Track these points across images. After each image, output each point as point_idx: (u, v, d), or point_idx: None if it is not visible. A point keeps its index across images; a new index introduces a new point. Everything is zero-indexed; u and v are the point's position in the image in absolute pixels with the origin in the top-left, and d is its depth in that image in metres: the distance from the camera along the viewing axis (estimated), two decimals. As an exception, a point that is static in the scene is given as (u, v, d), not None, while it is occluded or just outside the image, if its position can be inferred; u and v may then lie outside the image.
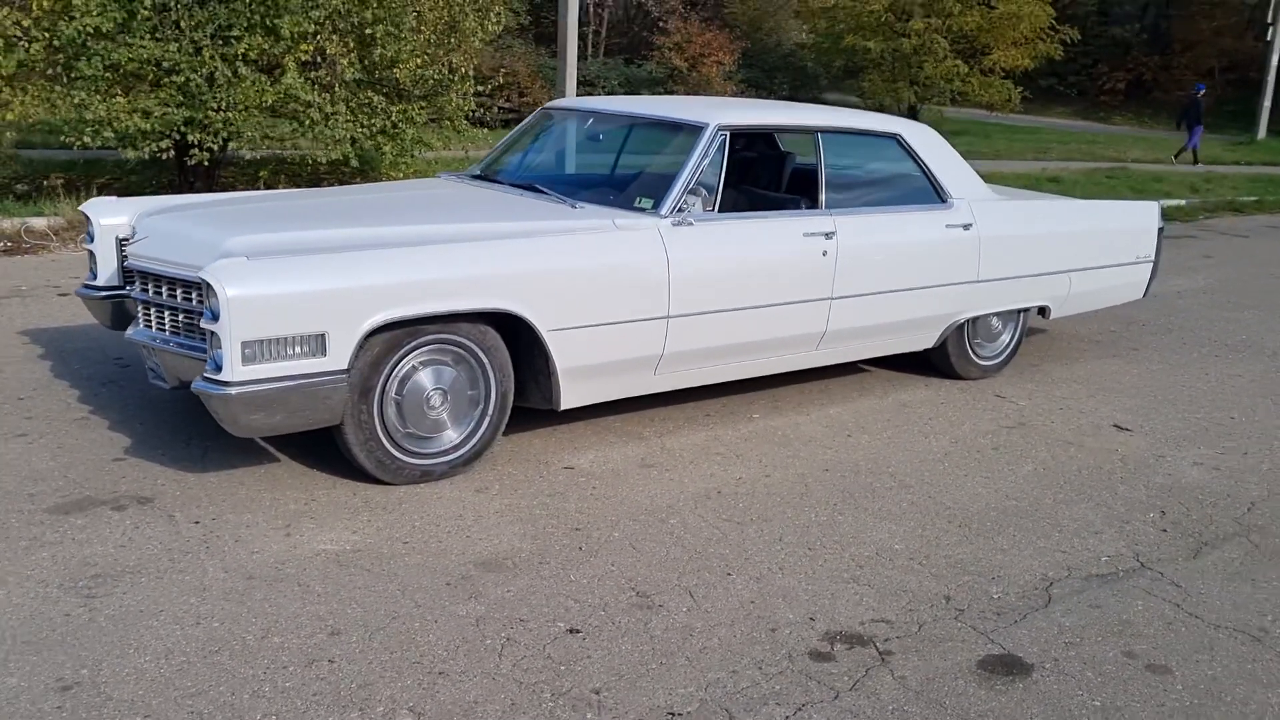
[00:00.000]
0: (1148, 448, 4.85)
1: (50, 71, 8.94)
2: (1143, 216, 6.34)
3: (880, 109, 24.91)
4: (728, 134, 4.68)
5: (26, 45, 8.75)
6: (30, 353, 5.37)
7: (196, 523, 3.60)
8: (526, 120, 5.53)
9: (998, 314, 5.76)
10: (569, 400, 4.32)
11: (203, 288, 3.52)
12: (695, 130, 4.66)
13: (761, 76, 24.72)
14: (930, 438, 4.84)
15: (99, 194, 9.41)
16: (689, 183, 4.51)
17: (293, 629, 2.96)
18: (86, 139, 8.79)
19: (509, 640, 2.98)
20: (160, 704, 2.60)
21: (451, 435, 4.09)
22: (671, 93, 22.95)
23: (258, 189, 9.87)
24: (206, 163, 9.33)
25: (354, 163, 10.23)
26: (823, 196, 4.96)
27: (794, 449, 4.60)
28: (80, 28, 8.65)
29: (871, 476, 4.33)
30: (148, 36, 8.80)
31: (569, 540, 3.62)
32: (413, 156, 10.60)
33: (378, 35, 9.84)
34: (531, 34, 28.95)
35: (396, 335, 3.84)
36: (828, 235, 4.83)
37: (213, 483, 3.92)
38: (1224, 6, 35.26)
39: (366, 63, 10.06)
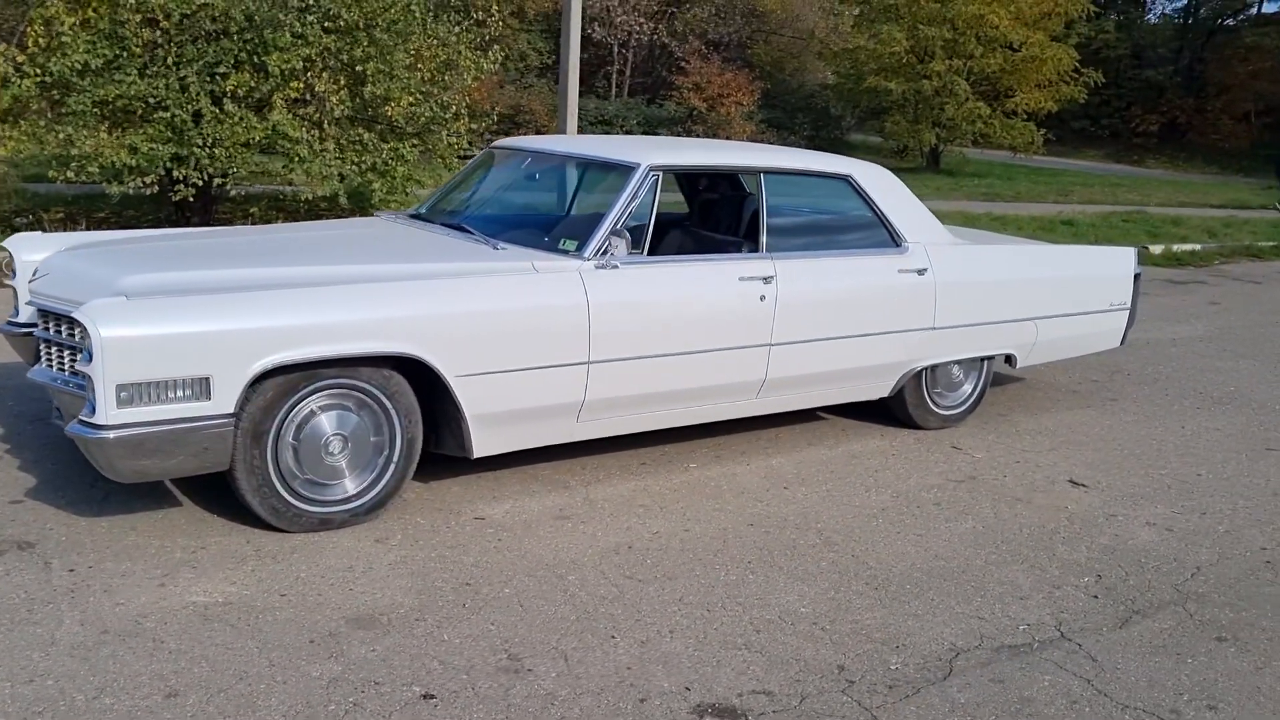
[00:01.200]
0: (1100, 506, 4.62)
1: (38, 107, 8.99)
2: (1117, 263, 6.12)
3: (903, 150, 24.80)
4: (659, 174, 4.54)
5: (19, 81, 8.81)
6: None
7: (71, 570, 3.47)
8: (473, 160, 5.43)
9: (958, 362, 5.56)
10: (483, 448, 4.17)
11: (78, 328, 3.41)
12: (627, 170, 4.53)
13: (782, 117, 24.66)
14: (872, 491, 4.64)
15: (89, 228, 9.45)
16: (615, 224, 4.37)
17: (128, 690, 2.82)
18: (70, 174, 8.82)
19: (355, 705, 2.81)
20: (-42, 770, 2.45)
21: (352, 483, 3.95)
22: (689, 133, 22.97)
23: (245, 224, 9.88)
24: (191, 198, 9.33)
25: (343, 200, 10.21)
26: (764, 239, 4.80)
27: (723, 501, 4.42)
28: (70, 64, 8.71)
29: (796, 533, 4.14)
30: (135, 73, 8.84)
31: (455, 596, 3.45)
32: (405, 193, 10.57)
33: (369, 72, 9.83)
34: (555, 73, 29.13)
35: (291, 379, 3.71)
36: (766, 279, 4.67)
37: (103, 528, 3.79)
38: (1259, 50, 34.87)
39: (358, 100, 10.05)
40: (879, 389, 5.32)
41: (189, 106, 9.02)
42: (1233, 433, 5.85)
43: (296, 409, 3.77)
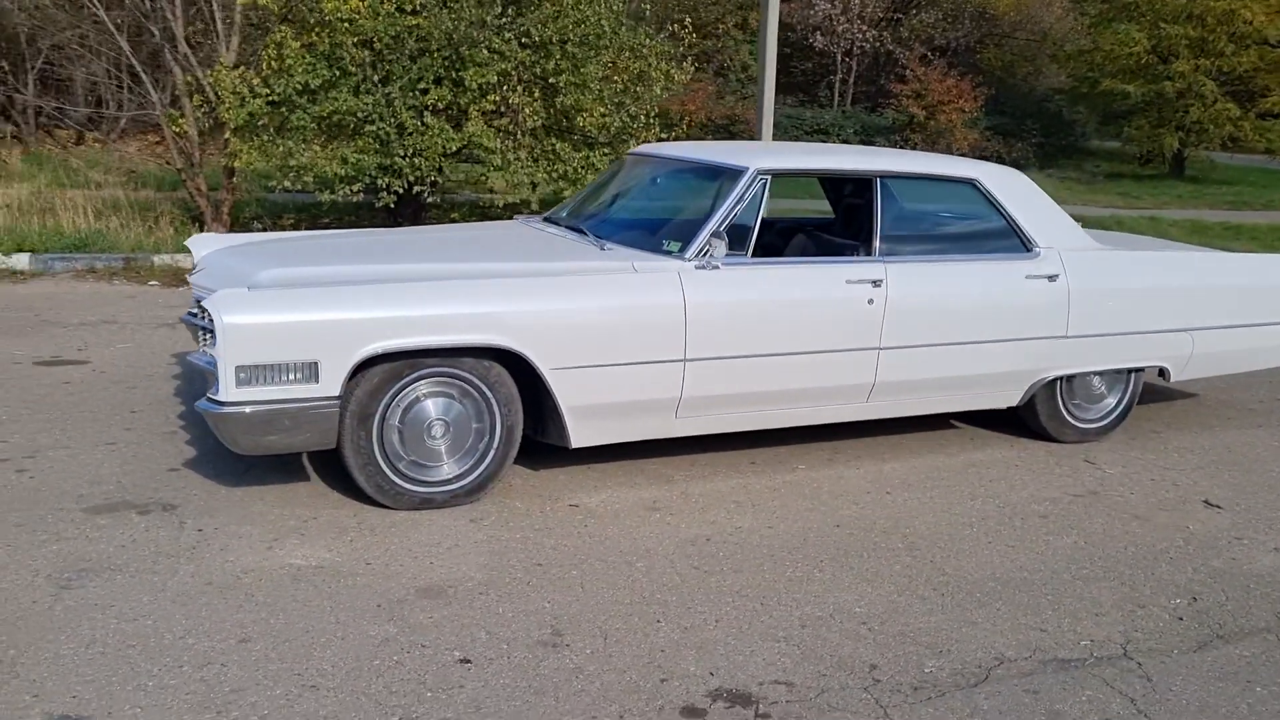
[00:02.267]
0: (1228, 528, 4.35)
1: (265, 124, 9.93)
2: (1292, 272, 5.69)
3: (1148, 157, 23.40)
4: (767, 179, 4.62)
5: (251, 100, 9.77)
6: (167, 373, 5.98)
7: (200, 530, 3.91)
8: (612, 166, 5.65)
9: (1098, 374, 5.32)
10: (581, 439, 4.37)
11: (207, 314, 3.85)
12: (735, 174, 4.64)
13: (1010, 124, 23.75)
14: (978, 500, 4.55)
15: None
16: (719, 226, 4.49)
17: (210, 633, 3.18)
18: (287, 183, 9.69)
19: (397, 663, 3.07)
20: (53, 686, 2.86)
21: (454, 466, 4.23)
22: (907, 141, 22.51)
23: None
24: (393, 204, 10.04)
25: (535, 206, 10.71)
26: (876, 243, 4.79)
27: (818, 502, 4.45)
28: (293, 85, 9.59)
29: (882, 536, 4.12)
30: (348, 91, 9.62)
31: (523, 574, 3.67)
32: (596, 200, 10.96)
33: (561, 85, 10.29)
34: (779, 83, 29.17)
35: (396, 366, 4.04)
36: (875, 283, 4.66)
37: (237, 496, 4.24)
38: None
39: (551, 111, 10.53)
40: (1007, 398, 5.18)
41: (393, 120, 9.72)
42: None
43: (401, 394, 4.09)
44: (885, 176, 4.89)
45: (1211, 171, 23.18)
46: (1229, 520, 4.42)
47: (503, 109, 10.31)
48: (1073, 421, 5.34)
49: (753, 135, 21.78)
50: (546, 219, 5.35)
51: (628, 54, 11.02)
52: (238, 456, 4.58)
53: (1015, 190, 5.12)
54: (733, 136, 21.39)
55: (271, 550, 3.78)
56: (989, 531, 4.21)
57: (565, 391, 4.22)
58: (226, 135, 10.27)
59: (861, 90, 28.07)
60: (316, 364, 3.87)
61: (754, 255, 4.60)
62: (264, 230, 10.71)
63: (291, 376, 3.86)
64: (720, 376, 4.46)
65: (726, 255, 4.48)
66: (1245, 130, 21.85)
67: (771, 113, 13.07)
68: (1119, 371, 5.39)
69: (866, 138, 22.88)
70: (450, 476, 4.23)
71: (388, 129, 9.72)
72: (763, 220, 4.67)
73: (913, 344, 4.77)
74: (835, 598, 3.59)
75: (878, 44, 25.99)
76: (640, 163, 5.35)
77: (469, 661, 3.09)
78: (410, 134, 9.82)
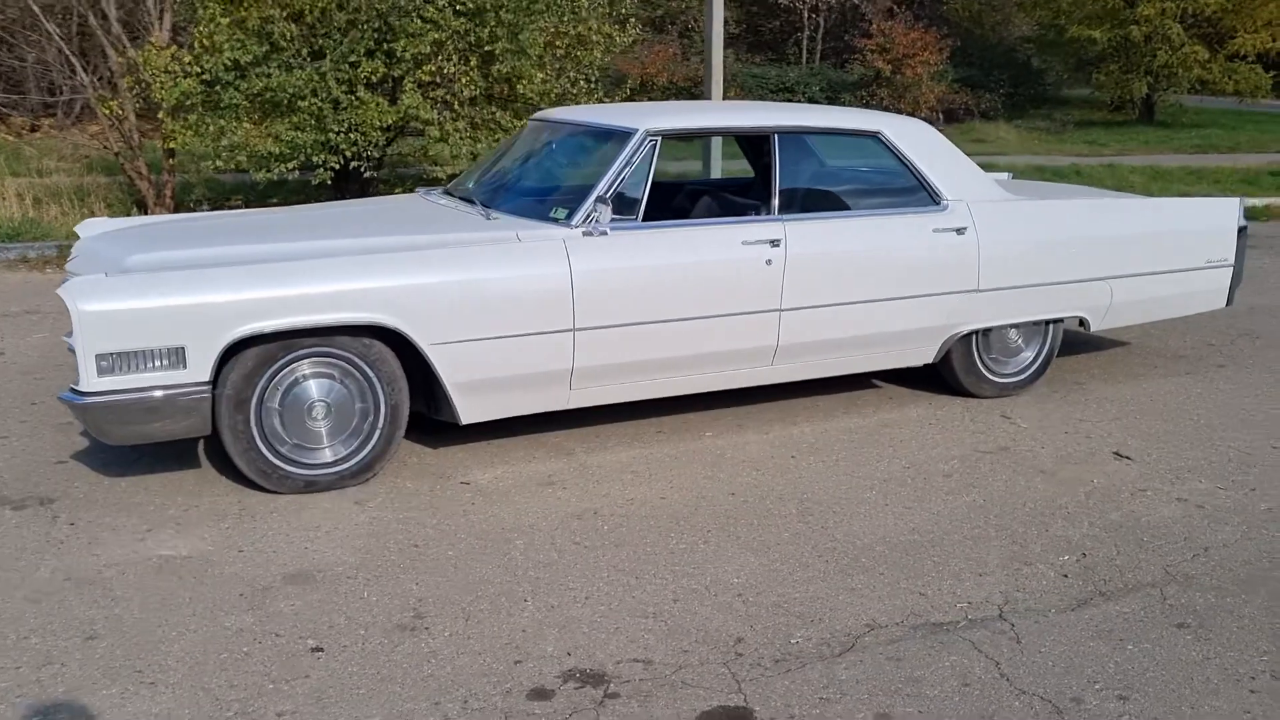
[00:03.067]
0: (1135, 480, 4.26)
1: (196, 103, 9.74)
2: (1215, 215, 5.59)
3: (1120, 104, 23.21)
4: (657, 140, 4.49)
5: (182, 80, 9.58)
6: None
7: (72, 524, 3.81)
8: (515, 133, 5.51)
9: (1014, 326, 5.22)
10: (470, 415, 4.28)
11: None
12: (624, 136, 4.51)
13: (978, 75, 23.52)
14: (884, 461, 4.46)
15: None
16: (606, 190, 4.37)
17: (56, 631, 3.09)
18: (220, 163, 9.52)
19: (246, 655, 2.98)
20: (-122, 695, 2.77)
21: (338, 448, 4.13)
22: (874, 98, 22.29)
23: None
24: (329, 181, 9.87)
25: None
26: (775, 201, 4.67)
27: (719, 470, 4.36)
28: (224, 61, 9.40)
29: (777, 503, 4.04)
30: (279, 68, 9.43)
31: (397, 557, 3.58)
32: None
33: (497, 52, 10.10)
34: (746, 42, 28.92)
35: (270, 349, 3.93)
36: (773, 243, 4.55)
37: (121, 488, 4.13)
38: None
39: (490, 79, 10.34)
40: (921, 355, 5.08)
41: (326, 95, 9.54)
42: (1346, 402, 5.25)
43: (279, 376, 3.98)
44: (783, 132, 4.76)
45: (1181, 116, 22.98)
46: (1136, 472, 4.34)
47: (439, 79, 10.13)
48: (990, 376, 5.25)
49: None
50: (446, 191, 5.22)
51: (567, 18, 10.82)
52: (130, 447, 4.47)
53: (921, 142, 4.99)
54: (695, 98, 21.15)
55: (143, 541, 3.68)
56: (888, 494, 4.12)
57: (449, 367, 4.12)
58: (160, 116, 10.09)
59: (830, 47, 27.77)
60: (183, 349, 3.76)
61: (651, 219, 4.48)
62: (210, 211, 10.55)
63: (157, 363, 3.74)
64: (613, 345, 4.35)
65: (616, 220, 4.36)
66: (1214, 73, 21.65)
67: (721, 71, 12.88)
68: (1036, 323, 5.29)
69: (833, 95, 22.67)
70: (335, 459, 4.13)
71: (320, 104, 9.53)
72: (672, 183, 4.55)
73: (815, 304, 4.67)
74: (715, 569, 3.50)
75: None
76: (539, 129, 5.22)
77: (321, 650, 3.00)
78: (345, 109, 9.64)
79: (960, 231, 4.91)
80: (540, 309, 4.19)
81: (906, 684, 2.83)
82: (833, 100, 22.80)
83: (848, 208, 4.89)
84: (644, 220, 4.46)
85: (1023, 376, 5.33)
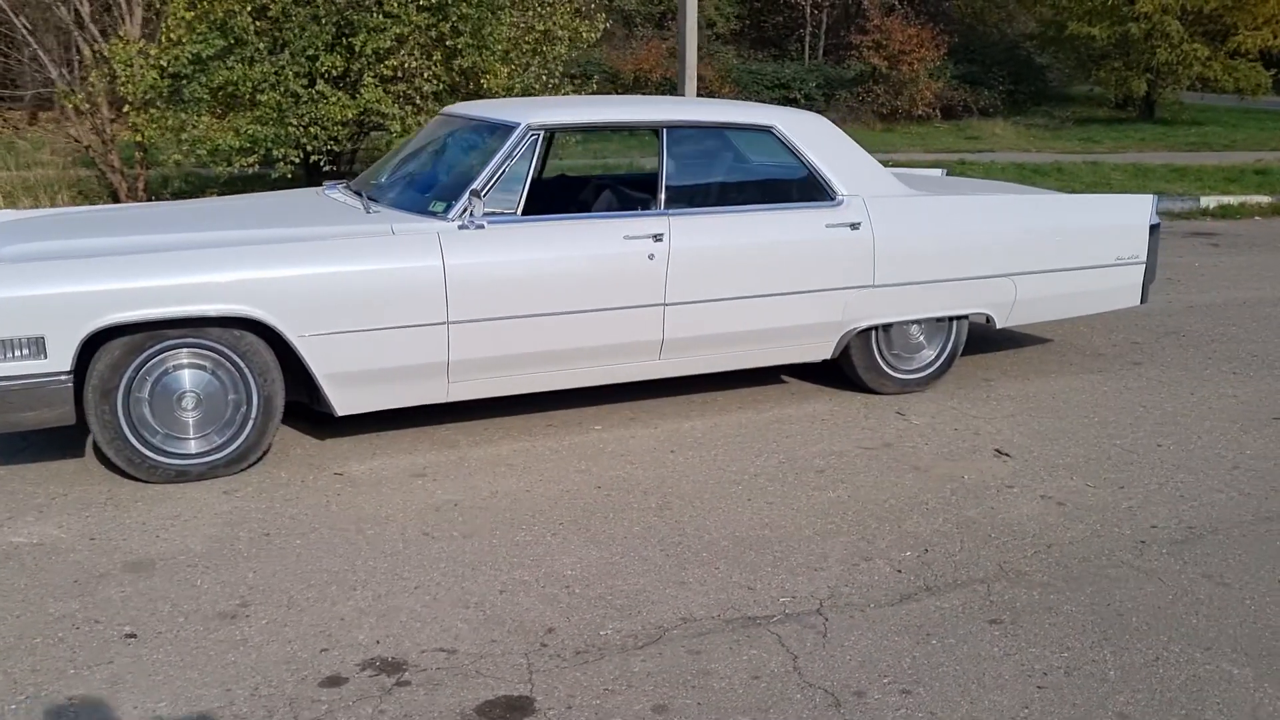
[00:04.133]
0: (1007, 476, 4.25)
1: (152, 97, 9.81)
2: (1126, 212, 5.55)
3: (1120, 101, 23.06)
4: (539, 134, 4.51)
5: (147, 74, 9.66)
6: None
7: (-63, 512, 3.86)
8: (425, 127, 5.54)
9: (915, 323, 5.21)
10: (345, 407, 4.31)
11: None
12: (507, 131, 4.53)
13: (978, 72, 23.39)
14: (762, 457, 4.46)
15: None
16: (485, 184, 4.39)
17: (-119, 615, 3.13)
18: (179, 157, 9.60)
19: (59, 641, 3.02)
20: None
21: (210, 438, 4.16)
22: (870, 94, 22.23)
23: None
24: (290, 175, 9.93)
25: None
26: (661, 196, 4.68)
27: (595, 464, 4.37)
28: (186, 55, 9.47)
29: (641, 496, 4.05)
30: (241, 62, 9.49)
31: (245, 546, 3.61)
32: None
33: (459, 47, 10.13)
34: (750, 38, 28.87)
35: (136, 339, 3.97)
36: (656, 238, 4.55)
37: (0, 475, 4.18)
38: None
39: (455, 73, 10.37)
40: (819, 351, 5.08)
41: (284, 90, 9.59)
42: (1249, 400, 5.21)
43: (147, 366, 4.01)
44: (672, 127, 4.76)
45: (1182, 113, 22.81)
46: (1010, 469, 4.33)
47: (400, 74, 10.17)
48: (891, 372, 5.24)
49: (711, 92, 21.55)
50: (347, 185, 5.25)
51: (531, 13, 10.84)
52: (19, 436, 4.53)
53: (817, 136, 4.98)
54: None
55: (0, 529, 3.72)
56: (755, 489, 4.13)
57: (320, 359, 4.15)
58: (125, 110, 10.18)
59: (832, 43, 27.71)
60: (42, 339, 3.81)
61: (549, 212, 4.51)
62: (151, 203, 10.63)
63: (16, 353, 3.79)
64: (491, 338, 4.37)
65: (494, 215, 4.38)
66: (1215, 70, 21.47)
67: (694, 65, 12.88)
68: (939, 320, 5.27)
69: (829, 91, 22.60)
70: (207, 449, 4.16)
71: (279, 98, 9.59)
72: (575, 177, 4.56)
73: (702, 299, 4.67)
74: (553, 562, 3.52)
75: (844, -5, 25.59)
76: (443, 123, 5.24)
77: (134, 636, 3.04)
78: (305, 103, 9.70)
79: (855, 227, 4.90)
80: (412, 302, 4.22)
81: (696, 676, 2.84)
82: (829, 97, 22.74)
83: (739, 203, 4.88)
84: (525, 214, 4.47)
85: (926, 373, 5.32)
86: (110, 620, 3.13)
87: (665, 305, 4.61)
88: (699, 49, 25.89)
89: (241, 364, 4.13)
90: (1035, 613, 3.18)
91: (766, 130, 4.91)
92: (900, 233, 4.99)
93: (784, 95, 22.68)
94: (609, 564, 3.51)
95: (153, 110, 9.94)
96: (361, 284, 4.16)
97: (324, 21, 9.51)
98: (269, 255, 4.09)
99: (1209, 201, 11.74)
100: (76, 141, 11.44)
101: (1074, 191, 11.72)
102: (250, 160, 9.77)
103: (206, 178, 12.41)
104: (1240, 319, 6.78)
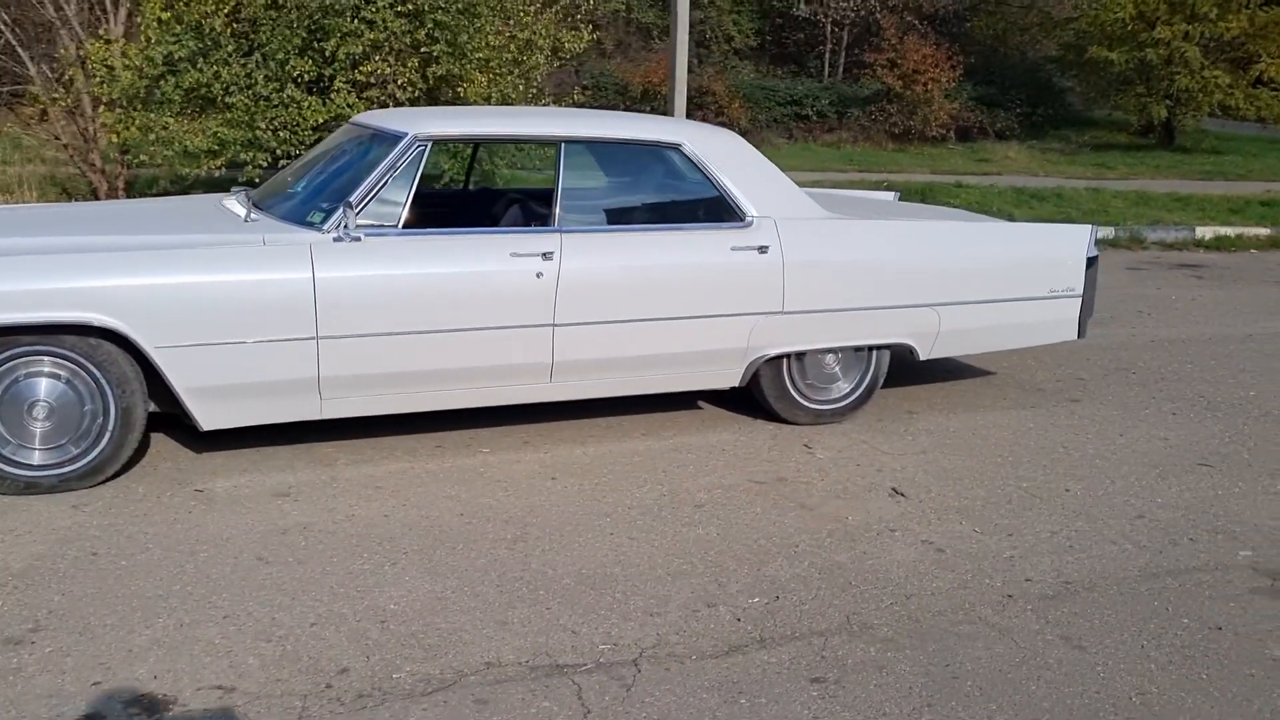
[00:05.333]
0: (894, 518, 4.03)
1: (130, 96, 9.77)
2: (1062, 244, 5.32)
3: (1141, 127, 22.68)
4: (426, 145, 4.35)
5: (123, 74, 9.63)
6: None
7: None
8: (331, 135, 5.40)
9: (829, 351, 5.00)
10: (210, 421, 4.16)
11: None
12: (393, 140, 4.37)
13: (996, 94, 23.08)
14: (645, 488, 4.27)
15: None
16: (365, 196, 4.24)
17: None
18: (144, 158, 9.54)
19: None
20: None
21: (69, 448, 4.02)
22: (884, 112, 21.99)
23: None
24: (257, 180, 9.84)
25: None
26: (556, 212, 4.51)
27: (467, 489, 4.20)
28: (157, 54, 9.43)
29: (500, 527, 3.87)
30: (214, 63, 9.43)
31: (67, 565, 3.46)
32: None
33: (435, 54, 10.02)
34: (769, 54, 28.68)
35: (-17, 345, 3.83)
36: (545, 256, 4.38)
37: None
38: None
39: (431, 81, 10.27)
40: (725, 378, 4.88)
41: (255, 93, 9.52)
42: (1179, 444, 4.96)
43: (-4, 374, 3.88)
44: (571, 141, 4.59)
45: (1203, 141, 22.35)
46: (900, 510, 4.11)
47: (373, 80, 10.07)
48: (804, 402, 5.03)
49: (721, 107, 21.38)
50: (247, 194, 5.10)
51: (512, 22, 10.72)
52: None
53: (728, 155, 4.80)
54: (700, 110, 20.97)
55: None
56: (623, 523, 3.93)
57: (179, 372, 4.01)
58: (100, 110, 10.15)
59: (852, 60, 27.46)
60: (-125, 343, 3.67)
61: (430, 225, 4.36)
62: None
63: None
64: (364, 355, 4.21)
65: (373, 227, 4.23)
66: (1237, 98, 21.03)
67: (685, 80, 12.72)
68: (856, 350, 5.05)
69: (843, 109, 22.39)
70: (59, 460, 4.02)
71: (248, 102, 9.51)
72: (496, 190, 4.39)
73: (594, 320, 4.49)
74: (380, 594, 3.34)
75: (860, 13, 25.37)
76: (346, 132, 5.10)
77: (-96, 661, 2.88)
78: (276, 106, 9.61)
79: (763, 250, 4.71)
80: (279, 315, 4.07)
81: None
82: (841, 115, 22.52)
83: (642, 222, 4.70)
84: (409, 227, 4.31)
85: (842, 404, 5.11)
86: (-110, 642, 2.97)
87: (555, 326, 4.43)
88: (713, 64, 25.78)
89: (98, 374, 3.99)
90: (864, 671, 2.96)
91: (674, 148, 4.73)
92: (812, 257, 4.79)
93: (795, 112, 22.49)
94: (437, 599, 3.32)
95: (121, 110, 9.90)
96: (226, 295, 4.01)
97: (295, 26, 9.42)
98: (125, 262, 3.95)
99: (1204, 232, 11.43)
100: (57, 139, 11.43)
101: (1068, 218, 11.46)
102: (218, 163, 9.70)
103: (195, 178, 12.37)
104: (1199, 356, 6.51)
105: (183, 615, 3.17)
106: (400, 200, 4.30)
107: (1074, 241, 5.31)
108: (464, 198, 5.56)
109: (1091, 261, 5.32)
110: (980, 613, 3.31)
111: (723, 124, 20.57)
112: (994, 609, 3.34)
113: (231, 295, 4.02)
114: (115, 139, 10.21)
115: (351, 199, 4.18)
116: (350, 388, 4.27)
